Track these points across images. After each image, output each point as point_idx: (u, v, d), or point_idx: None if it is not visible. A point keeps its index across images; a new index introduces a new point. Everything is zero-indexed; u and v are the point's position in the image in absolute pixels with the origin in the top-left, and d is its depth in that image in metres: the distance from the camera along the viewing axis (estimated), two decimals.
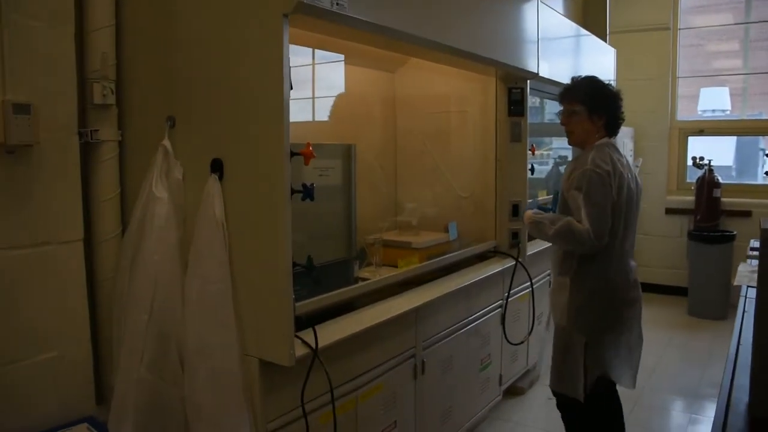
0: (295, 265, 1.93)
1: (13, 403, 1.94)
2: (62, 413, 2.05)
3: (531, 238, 3.45)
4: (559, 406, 2.73)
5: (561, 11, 4.70)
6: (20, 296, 1.97)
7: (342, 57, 3.24)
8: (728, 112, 6.27)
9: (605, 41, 5.35)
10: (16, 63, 1.92)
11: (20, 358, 1.96)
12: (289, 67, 1.83)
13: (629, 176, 2.55)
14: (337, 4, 1.92)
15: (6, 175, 1.92)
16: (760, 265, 1.46)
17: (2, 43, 1.88)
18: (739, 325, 2.17)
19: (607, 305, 2.55)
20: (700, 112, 6.40)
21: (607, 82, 2.65)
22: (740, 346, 1.94)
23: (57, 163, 2.06)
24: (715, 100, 6.31)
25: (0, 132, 1.85)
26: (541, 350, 2.91)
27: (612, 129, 2.62)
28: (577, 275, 2.54)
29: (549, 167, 4.84)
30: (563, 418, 2.74)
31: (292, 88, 1.86)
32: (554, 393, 2.71)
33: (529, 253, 3.54)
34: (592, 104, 2.55)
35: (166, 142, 2.10)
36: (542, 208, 2.93)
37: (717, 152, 6.16)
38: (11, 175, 1.93)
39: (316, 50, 3.13)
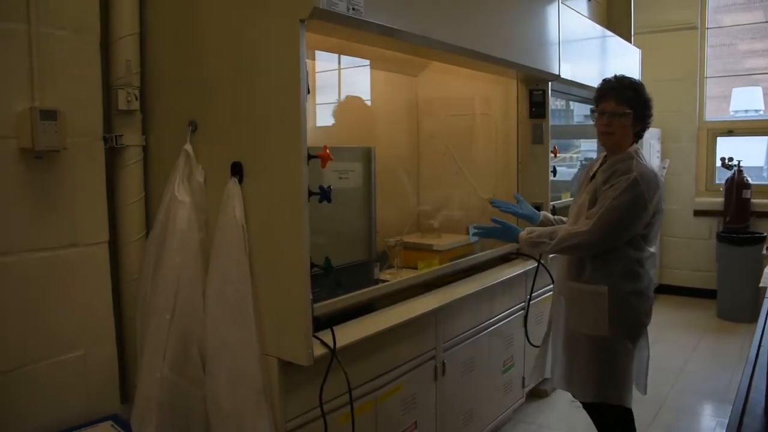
0: (313, 266, 1.96)
1: (40, 400, 2.00)
2: (87, 411, 2.11)
3: None
4: (599, 414, 2.62)
5: (584, 13, 4.68)
6: (47, 296, 2.03)
7: (367, 62, 3.28)
8: (762, 112, 6.17)
9: (630, 42, 5.30)
10: (43, 71, 1.98)
11: (47, 356, 2.03)
12: (306, 72, 1.86)
13: None
14: (353, 9, 1.95)
15: (34, 179, 1.98)
16: None
17: (30, 52, 1.95)
18: (762, 327, 2.14)
19: (645, 308, 2.52)
20: (732, 113, 6.30)
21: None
22: (761, 348, 1.92)
23: (83, 167, 2.12)
24: (747, 100, 6.20)
25: (28, 138, 1.91)
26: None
27: (640, 136, 2.59)
28: (616, 283, 2.45)
29: (575, 170, 4.81)
30: (601, 426, 2.64)
31: (309, 93, 1.90)
32: (594, 404, 2.59)
33: (551, 255, 3.52)
34: (639, 109, 2.50)
35: (188, 147, 2.15)
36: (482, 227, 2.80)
37: (748, 153, 6.07)
38: (39, 180, 1.99)
39: (343, 56, 3.18)
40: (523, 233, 2.62)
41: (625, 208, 2.37)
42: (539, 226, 2.79)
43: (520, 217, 2.90)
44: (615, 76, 2.57)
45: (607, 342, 2.47)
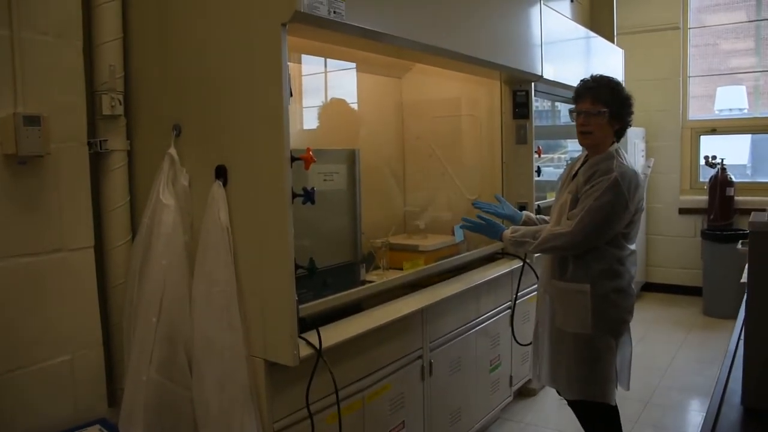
0: (297, 267, 1.98)
1: (28, 405, 2.01)
2: (75, 415, 2.11)
3: None
4: (585, 412, 2.65)
5: (567, 14, 4.72)
6: (33, 302, 2.03)
7: (353, 65, 3.30)
8: (746, 111, 6.23)
9: (613, 42, 5.35)
10: (27, 76, 1.99)
11: (34, 361, 2.03)
12: (288, 75, 1.88)
13: None
14: (335, 12, 1.97)
15: (18, 184, 1.98)
16: (749, 258, 1.49)
17: (13, 58, 1.96)
18: (741, 321, 2.17)
19: (627, 305, 2.55)
20: (717, 112, 6.37)
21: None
22: (740, 341, 1.95)
23: (68, 172, 2.12)
24: (732, 99, 6.27)
25: (12, 143, 1.91)
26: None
27: (620, 135, 2.61)
28: (598, 281, 2.49)
29: (562, 170, 4.84)
30: (587, 423, 2.66)
31: (291, 95, 1.91)
32: (580, 402, 2.61)
33: (536, 254, 3.55)
34: (615, 107, 2.52)
35: (173, 151, 2.16)
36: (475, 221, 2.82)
37: (733, 151, 6.14)
38: (23, 185, 2.00)
39: (329, 59, 3.20)
40: (507, 232, 2.66)
41: (607, 208, 2.40)
42: (522, 225, 2.83)
43: (502, 218, 2.92)
44: (592, 76, 2.61)
45: (591, 340, 2.50)
